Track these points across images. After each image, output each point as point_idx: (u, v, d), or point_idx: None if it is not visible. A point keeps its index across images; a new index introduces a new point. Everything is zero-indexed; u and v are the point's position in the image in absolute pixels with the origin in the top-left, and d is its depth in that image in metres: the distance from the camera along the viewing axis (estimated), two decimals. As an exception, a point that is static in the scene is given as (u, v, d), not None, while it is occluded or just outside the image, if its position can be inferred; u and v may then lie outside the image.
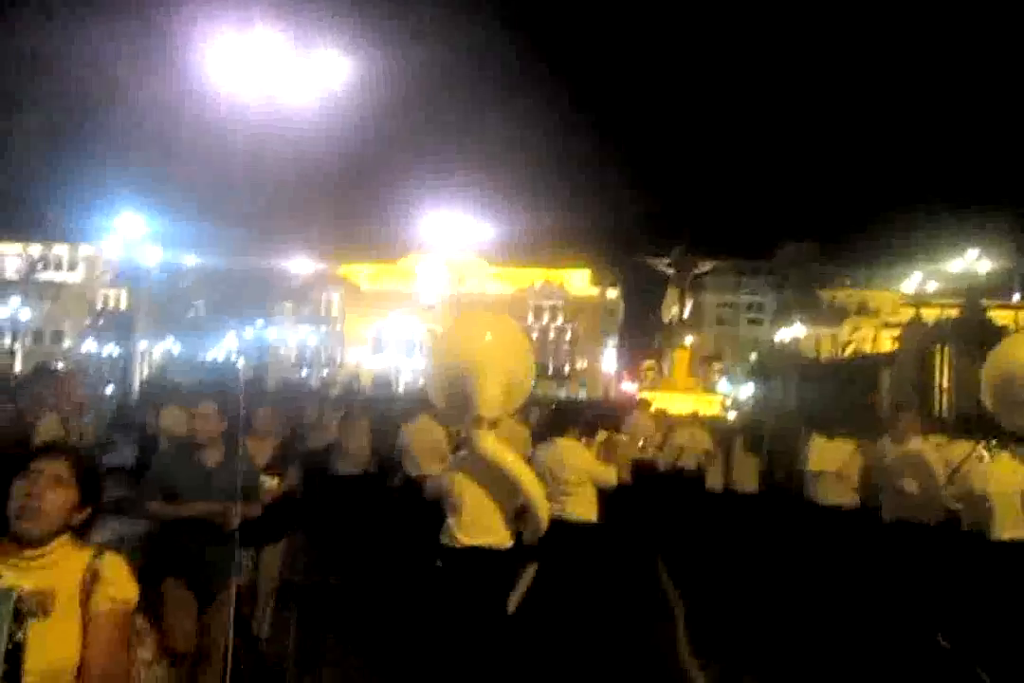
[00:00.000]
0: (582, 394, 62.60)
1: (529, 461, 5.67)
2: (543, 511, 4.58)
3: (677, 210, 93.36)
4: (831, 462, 8.21)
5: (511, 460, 4.54)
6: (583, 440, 6.52)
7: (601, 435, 7.14)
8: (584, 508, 6.18)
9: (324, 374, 58.75)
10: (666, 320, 34.44)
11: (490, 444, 4.47)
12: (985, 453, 6.18)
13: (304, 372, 61.40)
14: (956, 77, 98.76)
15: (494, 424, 4.50)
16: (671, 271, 32.37)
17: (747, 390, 46.56)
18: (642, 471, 11.08)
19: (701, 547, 9.84)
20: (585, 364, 73.69)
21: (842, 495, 8.17)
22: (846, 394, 25.79)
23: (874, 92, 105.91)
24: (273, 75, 23.31)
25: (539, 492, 4.60)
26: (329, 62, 24.12)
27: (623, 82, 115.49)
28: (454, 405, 4.64)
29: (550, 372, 72.85)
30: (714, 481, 11.17)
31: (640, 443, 10.28)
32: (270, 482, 5.23)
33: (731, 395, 53.15)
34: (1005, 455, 6.18)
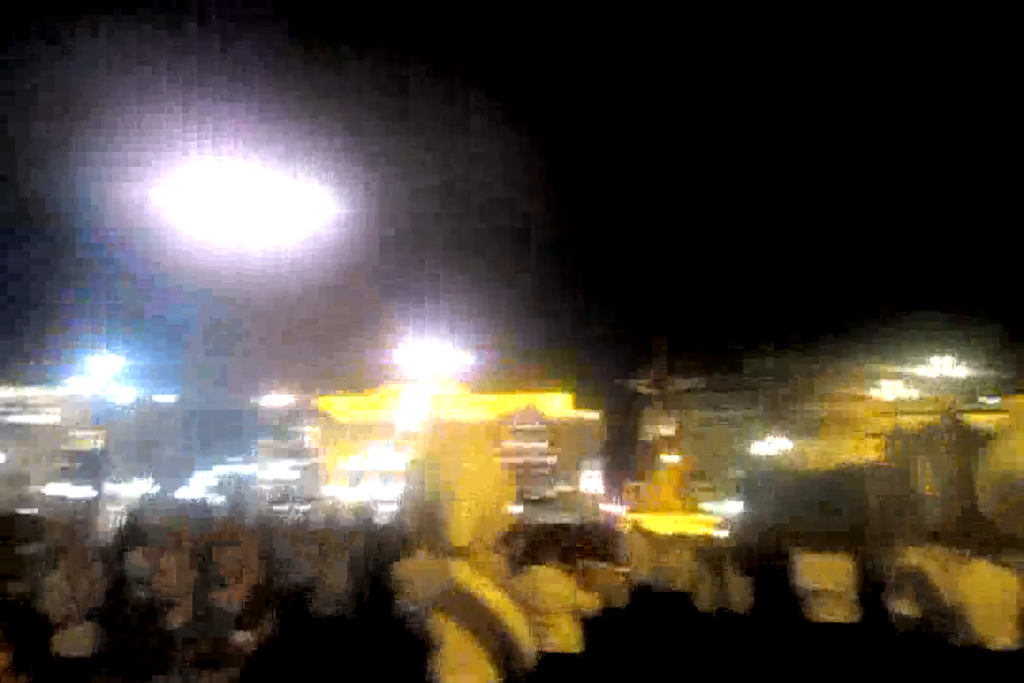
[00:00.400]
0: (567, 518, 61.42)
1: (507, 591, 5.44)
2: (527, 644, 4.34)
3: (654, 330, 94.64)
4: (824, 579, 8.02)
5: (488, 591, 4.35)
6: (563, 566, 6.27)
7: (581, 562, 6.91)
8: (564, 638, 5.89)
9: (303, 508, 57.46)
10: (647, 439, 34.25)
11: (464, 575, 4.30)
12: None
13: (283, 508, 60.08)
14: (916, 183, 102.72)
15: (466, 553, 4.34)
16: (649, 391, 32.39)
17: (735, 506, 45.97)
18: (638, 594, 10.79)
19: (698, 673, 9.39)
20: (569, 488, 72.80)
21: (839, 612, 7.93)
22: (833, 507, 25.50)
23: (842, 202, 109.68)
24: (246, 208, 23.81)
25: (520, 624, 4.38)
26: (303, 195, 24.77)
27: (596, 206, 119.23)
28: (424, 530, 4.49)
29: (533, 497, 71.79)
30: (704, 602, 10.83)
31: (626, 568, 9.72)
32: (242, 637, 4.88)
33: (719, 512, 52.40)
34: (982, 563, 5.97)
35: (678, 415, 75.76)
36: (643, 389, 32.70)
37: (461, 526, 4.26)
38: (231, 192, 23.20)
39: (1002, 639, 5.70)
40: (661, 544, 12.02)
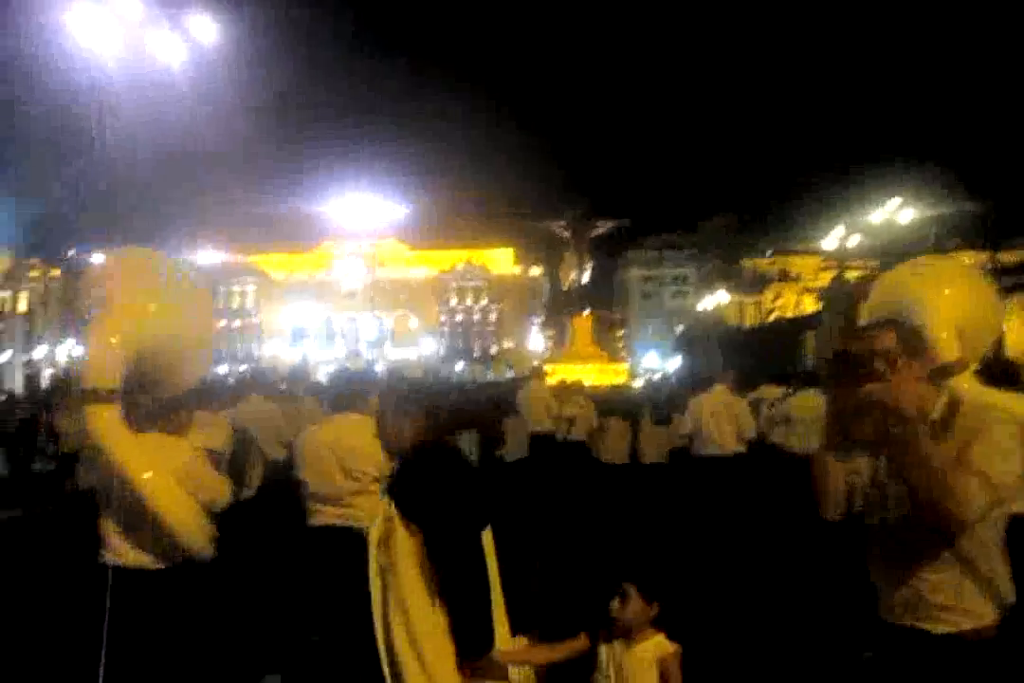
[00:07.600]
0: (509, 375, 61.37)
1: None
2: (181, 526, 3.12)
3: (599, 185, 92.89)
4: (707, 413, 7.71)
5: (126, 450, 3.05)
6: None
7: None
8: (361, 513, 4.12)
9: (241, 369, 56.58)
10: (564, 287, 32.62)
11: (102, 425, 3.05)
12: None
13: (221, 367, 59.16)
14: (861, 30, 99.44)
15: (108, 398, 3.06)
16: (567, 234, 30.30)
17: (675, 362, 46.06)
18: (539, 443, 10.22)
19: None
20: (512, 344, 72.62)
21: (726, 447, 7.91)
22: (768, 357, 25.16)
23: (784, 50, 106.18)
24: (168, 49, 21.51)
25: (171, 499, 3.09)
26: (223, 39, 22.45)
27: (537, 57, 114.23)
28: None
29: (476, 354, 71.71)
30: (601, 452, 10.38)
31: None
32: None
33: (659, 368, 52.67)
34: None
35: (623, 271, 75.18)
36: (560, 232, 30.47)
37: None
38: (141, 25, 20.86)
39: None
40: (565, 393, 11.18)
